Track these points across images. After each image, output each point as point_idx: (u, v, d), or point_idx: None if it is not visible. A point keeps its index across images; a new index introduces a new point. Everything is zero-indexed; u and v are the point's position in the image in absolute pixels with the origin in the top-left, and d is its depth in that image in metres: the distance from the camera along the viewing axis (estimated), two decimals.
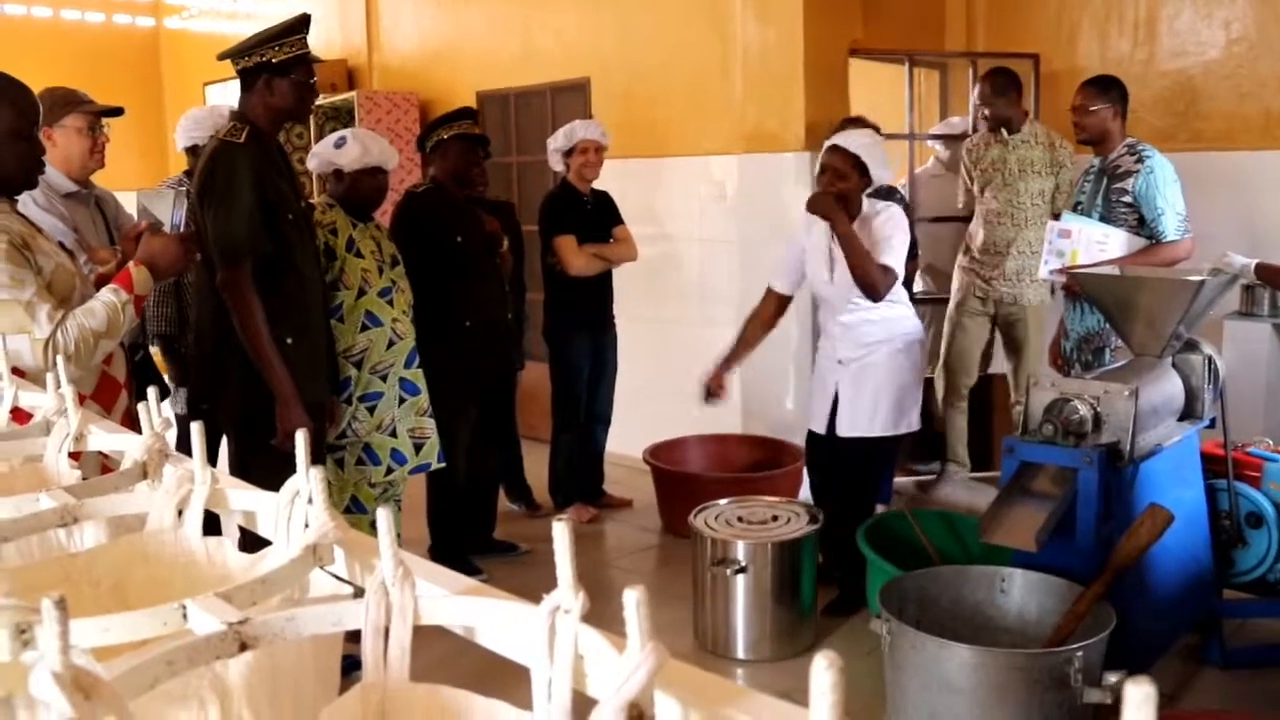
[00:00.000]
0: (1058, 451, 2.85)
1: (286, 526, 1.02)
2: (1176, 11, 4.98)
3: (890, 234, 3.80)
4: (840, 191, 3.76)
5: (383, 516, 0.85)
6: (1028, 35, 5.37)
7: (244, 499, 1.07)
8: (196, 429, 1.08)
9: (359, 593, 0.89)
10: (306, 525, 1.00)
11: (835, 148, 3.79)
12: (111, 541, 1.10)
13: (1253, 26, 4.78)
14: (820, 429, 4.05)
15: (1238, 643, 3.52)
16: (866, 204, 3.89)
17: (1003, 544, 2.81)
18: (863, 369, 3.91)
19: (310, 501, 1.00)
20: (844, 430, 3.94)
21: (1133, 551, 2.73)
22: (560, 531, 0.74)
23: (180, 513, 1.12)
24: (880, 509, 4.87)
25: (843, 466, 4.03)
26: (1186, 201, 4.16)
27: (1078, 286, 3.97)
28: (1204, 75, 4.92)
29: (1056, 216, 4.49)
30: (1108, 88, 4.28)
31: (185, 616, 0.80)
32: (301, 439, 0.99)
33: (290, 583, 0.92)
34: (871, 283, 3.72)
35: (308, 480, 0.99)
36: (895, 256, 3.79)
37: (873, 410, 3.91)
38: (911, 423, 3.96)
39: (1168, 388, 3.22)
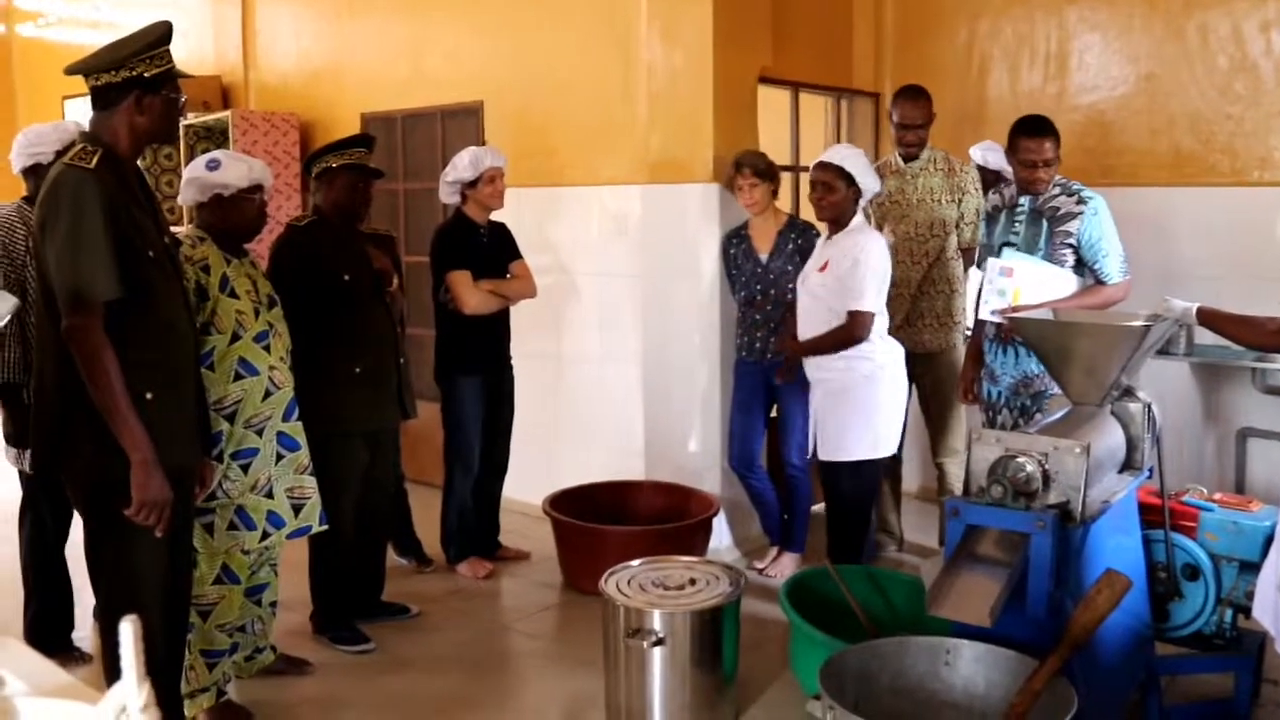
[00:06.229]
0: (1008, 515, 2.63)
1: None
2: (1087, 45, 4.91)
3: (851, 269, 3.93)
4: (831, 204, 4.01)
5: None
6: (937, 67, 5.24)
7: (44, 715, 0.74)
8: None
9: None
10: None
11: (822, 163, 4.02)
12: None
13: (1162, 64, 4.73)
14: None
15: (1171, 700, 3.38)
16: (858, 219, 4.07)
17: (953, 619, 2.58)
18: (823, 393, 4.15)
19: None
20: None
21: (1091, 622, 2.52)
22: (126, 632, 0.66)
23: None
24: (795, 557, 4.66)
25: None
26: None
27: (1014, 330, 3.74)
28: (1116, 111, 4.85)
29: (995, 253, 4.23)
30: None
31: None
32: (127, 633, 0.67)
33: None
34: (844, 344, 4.01)
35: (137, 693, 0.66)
36: (864, 299, 3.95)
37: (827, 433, 4.13)
38: (850, 451, 4.10)
39: (1111, 439, 3.04)
